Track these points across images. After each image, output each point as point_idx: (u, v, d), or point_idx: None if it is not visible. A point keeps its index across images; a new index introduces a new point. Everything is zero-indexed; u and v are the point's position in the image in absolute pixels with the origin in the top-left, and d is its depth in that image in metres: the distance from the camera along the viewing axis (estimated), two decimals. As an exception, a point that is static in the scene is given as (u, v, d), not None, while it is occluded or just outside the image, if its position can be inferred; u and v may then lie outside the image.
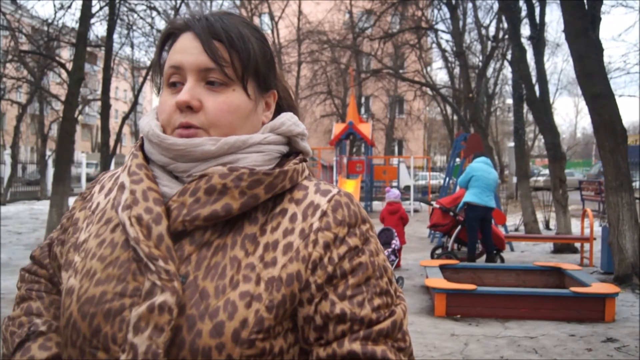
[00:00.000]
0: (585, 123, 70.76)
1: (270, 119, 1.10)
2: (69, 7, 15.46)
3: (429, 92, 29.90)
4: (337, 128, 20.52)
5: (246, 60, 1.02)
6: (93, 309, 0.95)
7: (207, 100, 1.00)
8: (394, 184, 23.73)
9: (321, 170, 21.89)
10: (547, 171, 19.90)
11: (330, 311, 0.95)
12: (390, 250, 7.89)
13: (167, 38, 1.07)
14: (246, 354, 0.91)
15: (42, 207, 19.65)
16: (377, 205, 22.95)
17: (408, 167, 23.92)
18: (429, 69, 32.31)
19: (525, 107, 16.20)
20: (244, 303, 0.92)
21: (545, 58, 14.45)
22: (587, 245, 10.76)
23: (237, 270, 0.95)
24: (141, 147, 1.07)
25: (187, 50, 1.01)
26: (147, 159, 1.06)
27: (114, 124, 27.13)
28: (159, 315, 0.90)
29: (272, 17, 29.95)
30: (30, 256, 1.25)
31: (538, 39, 13.52)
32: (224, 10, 1.10)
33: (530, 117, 26.20)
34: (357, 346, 0.94)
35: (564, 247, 11.64)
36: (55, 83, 22.56)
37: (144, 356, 0.89)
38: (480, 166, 8.95)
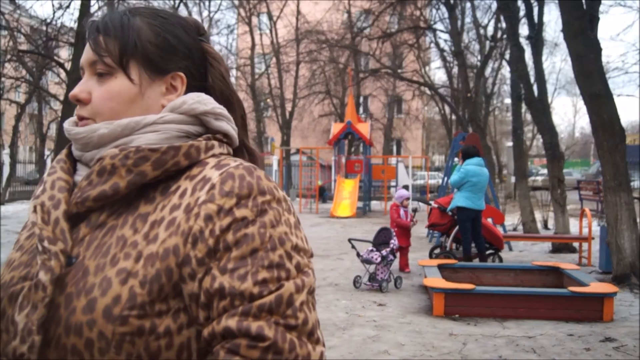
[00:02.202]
0: (583, 123, 70.72)
1: None
2: (68, 6, 15.46)
3: (428, 91, 29.94)
4: (336, 128, 20.55)
5: (123, 46, 1.04)
6: (2, 294, 0.98)
7: (95, 91, 1.05)
8: (392, 183, 23.76)
9: (319, 170, 21.90)
10: (545, 171, 19.92)
11: (210, 286, 0.91)
12: (388, 249, 7.88)
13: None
14: (119, 331, 0.89)
15: (41, 206, 19.61)
16: (375, 205, 22.98)
17: (406, 167, 23.96)
18: (427, 68, 32.35)
19: (524, 107, 16.22)
20: (120, 279, 0.91)
21: (544, 58, 14.52)
22: (585, 245, 10.78)
23: (121, 248, 0.95)
24: (71, 145, 1.12)
25: (85, 49, 1.08)
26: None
27: (112, 123, 27.06)
28: (35, 294, 0.92)
29: (270, 17, 29.99)
30: None
31: (536, 39, 13.56)
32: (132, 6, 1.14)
33: (528, 116, 26.21)
34: (232, 322, 0.89)
35: (562, 246, 11.65)
36: (54, 83, 22.57)
37: (21, 333, 0.91)
38: (475, 170, 8.85)
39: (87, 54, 1.06)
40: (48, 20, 15.76)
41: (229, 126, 1.10)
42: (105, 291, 0.90)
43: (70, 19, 55.04)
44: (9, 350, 0.92)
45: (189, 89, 1.09)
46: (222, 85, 1.13)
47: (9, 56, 18.13)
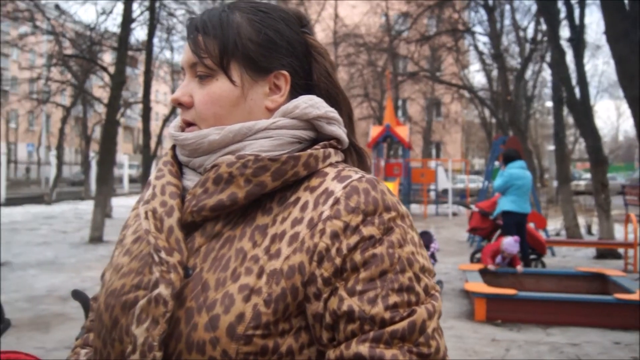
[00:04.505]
0: (627, 126, 69.36)
1: (282, 102, 1.03)
2: (111, 12, 15.95)
3: (467, 94, 29.67)
4: (375, 131, 20.50)
5: (223, 46, 0.99)
6: (114, 301, 0.95)
7: (196, 94, 1.00)
8: (432, 186, 23.60)
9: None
10: (588, 175, 19.57)
11: (338, 308, 0.86)
12: (429, 253, 7.85)
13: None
14: (243, 350, 0.85)
15: (86, 207, 20.11)
16: (415, 208, 22.86)
17: (446, 170, 23.77)
18: (466, 71, 32.07)
19: (565, 110, 15.97)
20: (242, 296, 0.87)
21: (585, 60, 14.29)
22: (631, 251, 10.55)
23: (241, 262, 0.91)
24: (174, 147, 1.08)
25: (184, 50, 1.04)
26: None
27: (154, 126, 27.53)
28: (155, 308, 0.88)
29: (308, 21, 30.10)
30: (101, 276, 1.20)
31: (578, 41, 13.32)
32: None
33: (570, 120, 25.82)
34: (364, 348, 0.84)
35: (607, 252, 11.43)
36: (98, 86, 23.05)
37: (141, 348, 0.88)
38: (518, 173, 8.76)
39: (187, 55, 1.02)
40: (92, 26, 16.17)
41: (340, 130, 1.04)
42: (228, 308, 0.87)
43: (113, 24, 56.13)
44: None
45: (293, 88, 1.04)
46: (328, 83, 1.08)
47: (55, 60, 18.65)
